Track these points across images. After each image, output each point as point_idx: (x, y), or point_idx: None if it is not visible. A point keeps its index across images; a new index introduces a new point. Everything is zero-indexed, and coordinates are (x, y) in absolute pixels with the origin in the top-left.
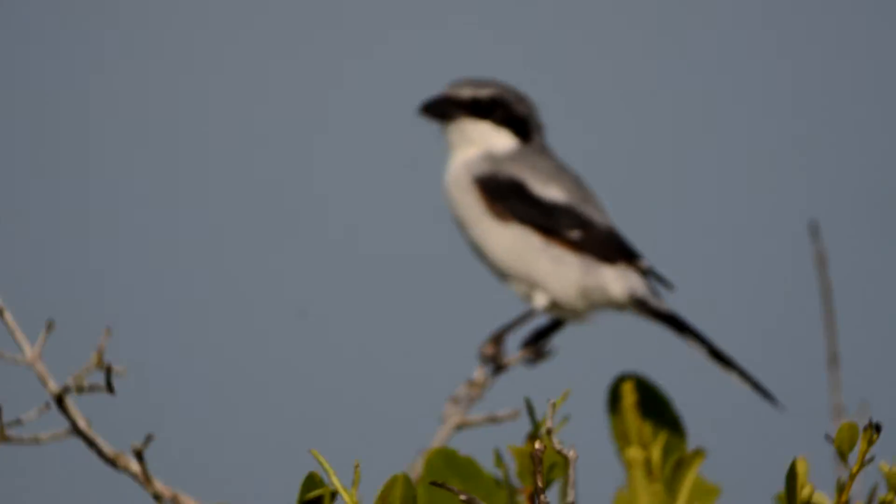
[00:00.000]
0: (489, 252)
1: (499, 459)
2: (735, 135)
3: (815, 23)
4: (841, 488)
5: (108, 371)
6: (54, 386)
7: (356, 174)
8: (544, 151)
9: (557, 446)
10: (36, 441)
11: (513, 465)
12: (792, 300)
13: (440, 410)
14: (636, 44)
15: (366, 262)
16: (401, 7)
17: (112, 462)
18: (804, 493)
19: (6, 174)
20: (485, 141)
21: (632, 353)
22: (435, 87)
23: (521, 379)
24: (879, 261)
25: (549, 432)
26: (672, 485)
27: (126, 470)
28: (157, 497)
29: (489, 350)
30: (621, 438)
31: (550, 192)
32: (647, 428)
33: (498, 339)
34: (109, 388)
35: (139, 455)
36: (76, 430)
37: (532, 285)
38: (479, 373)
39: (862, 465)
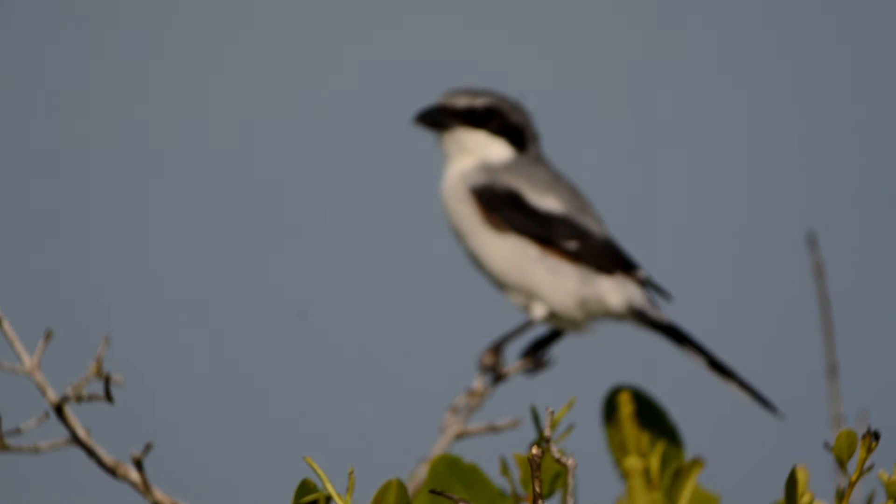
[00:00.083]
0: (487, 263)
1: (504, 467)
2: (735, 135)
3: (815, 23)
4: (840, 496)
5: (107, 380)
6: (53, 395)
7: (356, 175)
8: (540, 161)
9: (557, 455)
10: (35, 450)
11: (517, 474)
12: (790, 310)
13: (440, 419)
14: (636, 44)
15: (366, 269)
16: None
17: (112, 471)
18: (804, 500)
19: (5, 175)
20: (481, 150)
21: (629, 363)
22: (434, 87)
23: (521, 388)
24: (878, 270)
25: (548, 441)
26: (671, 494)
27: (126, 479)
28: None
29: (488, 360)
30: (618, 449)
31: (547, 202)
32: (645, 438)
33: (497, 348)
34: (108, 397)
35: (139, 464)
36: (76, 440)
37: (530, 296)
38: (478, 382)
39: (861, 473)
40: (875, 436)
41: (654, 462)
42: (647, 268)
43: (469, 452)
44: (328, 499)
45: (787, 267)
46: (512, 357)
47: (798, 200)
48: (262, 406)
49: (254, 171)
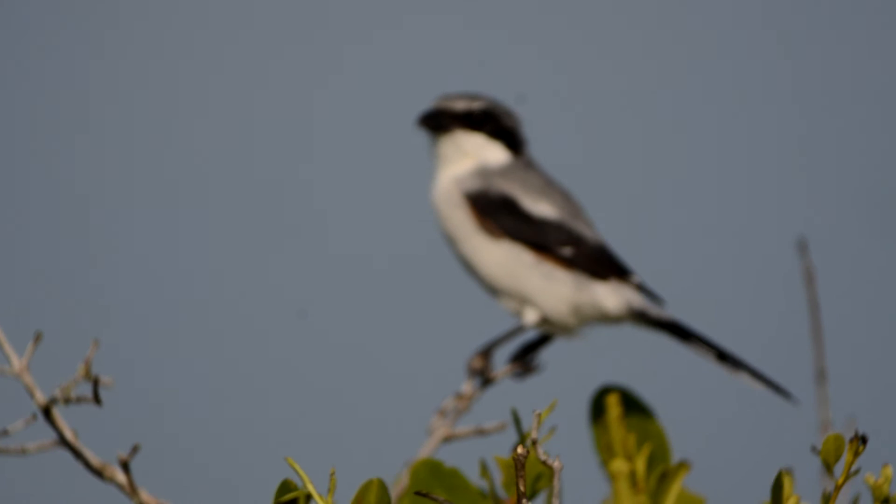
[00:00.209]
0: (480, 268)
1: (484, 470)
2: (735, 135)
3: (815, 23)
4: (826, 499)
5: (96, 382)
6: (41, 397)
7: (356, 175)
8: (532, 166)
9: (542, 456)
10: (23, 452)
11: (498, 477)
12: (780, 316)
13: (428, 422)
14: (636, 44)
15: (365, 270)
16: (396, 7)
17: (98, 473)
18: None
19: (5, 175)
20: (479, 153)
21: (618, 367)
22: (434, 88)
23: (509, 392)
24: (874, 272)
25: (534, 443)
26: (657, 497)
27: (113, 481)
28: None
29: (477, 363)
30: (605, 451)
31: (541, 208)
32: (632, 440)
33: (486, 352)
34: (97, 399)
35: (125, 466)
36: (63, 442)
37: (523, 301)
38: (466, 386)
39: (847, 476)
40: (862, 440)
41: (641, 465)
42: (640, 272)
43: (456, 456)
44: (309, 498)
45: (779, 272)
46: (501, 361)
47: (797, 201)
48: (262, 406)
49: (254, 171)
